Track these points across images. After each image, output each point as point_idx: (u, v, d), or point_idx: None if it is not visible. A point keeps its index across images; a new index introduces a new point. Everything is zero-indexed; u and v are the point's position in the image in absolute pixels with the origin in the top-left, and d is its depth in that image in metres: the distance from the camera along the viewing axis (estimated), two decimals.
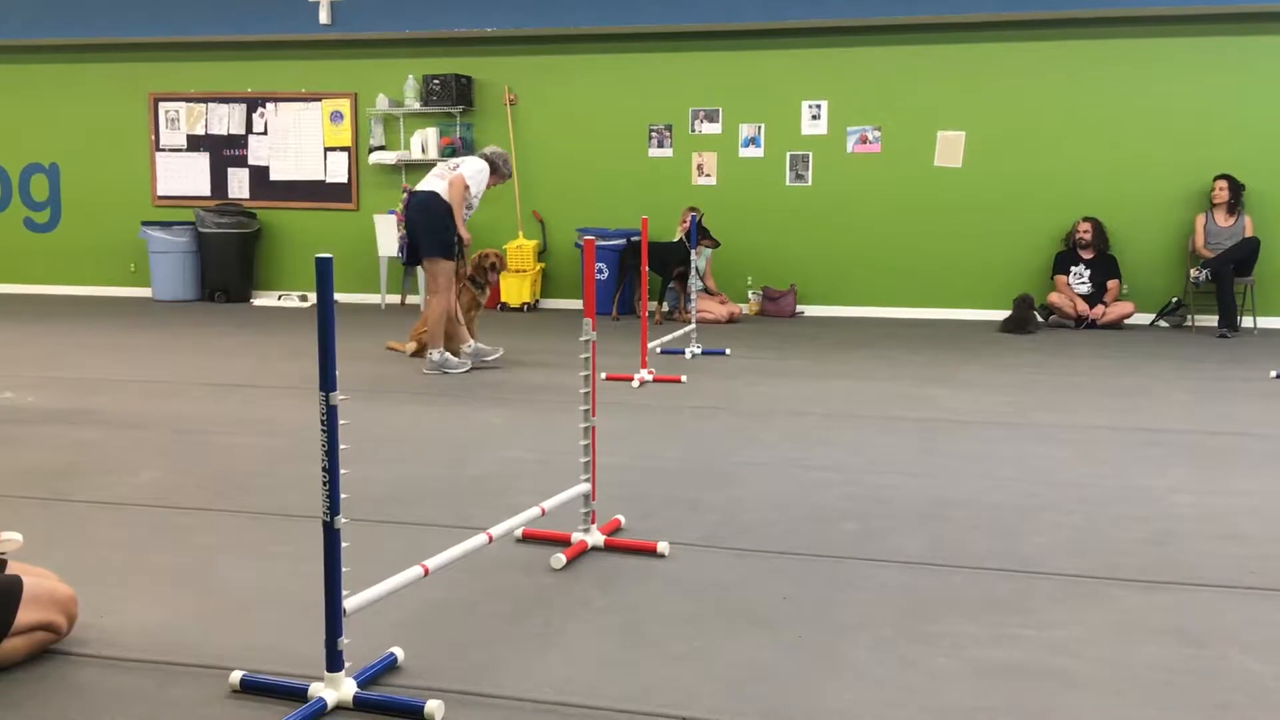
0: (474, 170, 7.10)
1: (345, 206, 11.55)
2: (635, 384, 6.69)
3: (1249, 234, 9.42)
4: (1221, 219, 9.51)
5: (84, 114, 12.03)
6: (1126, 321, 9.73)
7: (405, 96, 11.10)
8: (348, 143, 11.47)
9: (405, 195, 7.10)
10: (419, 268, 8.15)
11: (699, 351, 7.89)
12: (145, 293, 11.88)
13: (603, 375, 6.92)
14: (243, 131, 11.72)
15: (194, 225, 11.38)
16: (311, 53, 11.43)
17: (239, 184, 11.79)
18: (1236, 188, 9.44)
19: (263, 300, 11.51)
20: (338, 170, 11.54)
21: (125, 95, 11.93)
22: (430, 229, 6.96)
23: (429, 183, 7.08)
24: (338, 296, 11.60)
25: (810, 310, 10.61)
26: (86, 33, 11.40)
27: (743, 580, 3.38)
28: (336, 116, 11.46)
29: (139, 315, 10.32)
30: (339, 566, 2.47)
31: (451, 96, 10.86)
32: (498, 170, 7.26)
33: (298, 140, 11.60)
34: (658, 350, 7.86)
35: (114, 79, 11.93)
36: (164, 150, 11.93)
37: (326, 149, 11.54)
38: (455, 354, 7.18)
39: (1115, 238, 9.88)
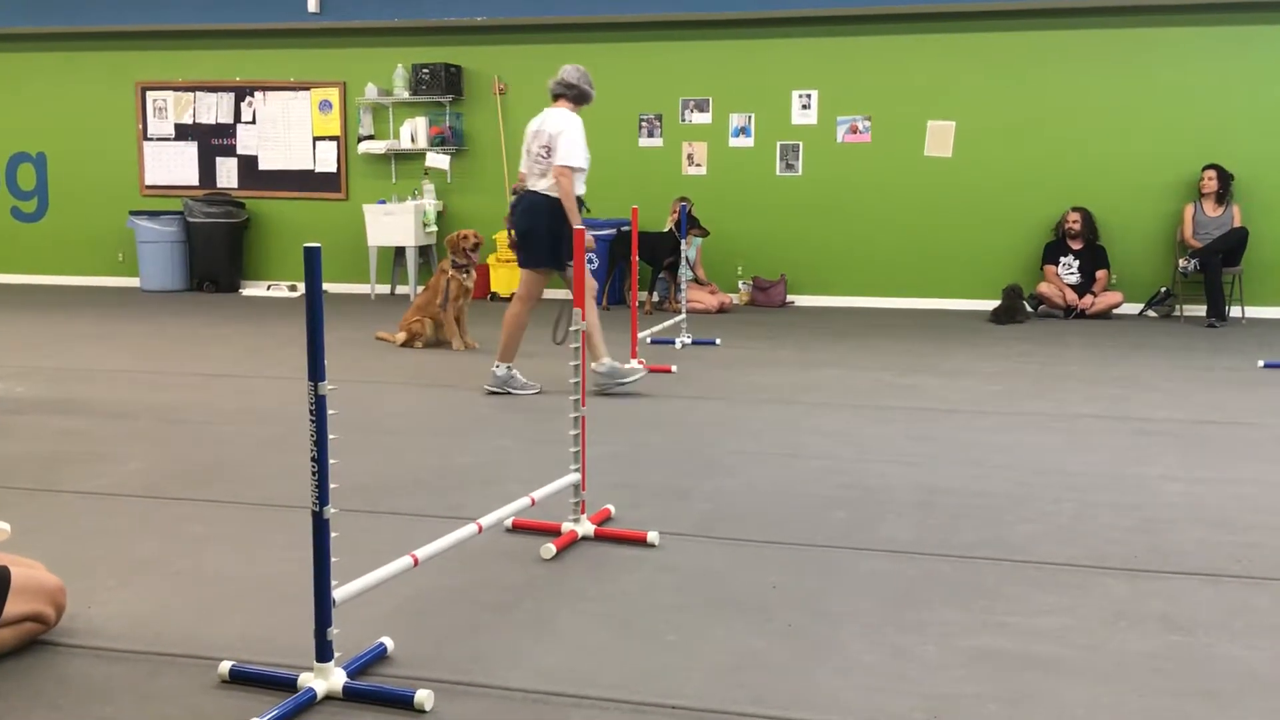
0: (571, 142, 5.85)
1: (334, 196, 11.51)
2: None
3: (1237, 224, 9.45)
4: (1210, 209, 9.54)
5: (71, 103, 11.97)
6: (1115, 311, 9.76)
7: (394, 86, 11.06)
8: (337, 132, 11.42)
9: (514, 197, 6.16)
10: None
11: (689, 341, 7.89)
12: (133, 282, 11.83)
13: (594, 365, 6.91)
14: (231, 121, 11.67)
15: (182, 215, 11.34)
16: (300, 41, 11.38)
17: (227, 173, 11.74)
18: (1225, 178, 9.46)
19: (251, 290, 11.48)
20: (327, 160, 11.49)
21: (113, 84, 11.86)
22: (543, 235, 5.95)
23: (533, 179, 5.99)
24: (327, 286, 11.56)
25: (800, 300, 10.62)
26: (74, 21, 11.33)
27: (732, 569, 3.39)
28: (325, 106, 11.42)
29: (127, 305, 10.28)
30: (328, 556, 2.47)
31: (441, 86, 10.82)
32: (587, 98, 6.14)
33: (286, 130, 11.55)
34: (648, 340, 7.86)
35: (101, 68, 11.86)
36: (152, 139, 11.87)
37: (315, 138, 11.49)
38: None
39: (1104, 228, 9.90)
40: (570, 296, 5.80)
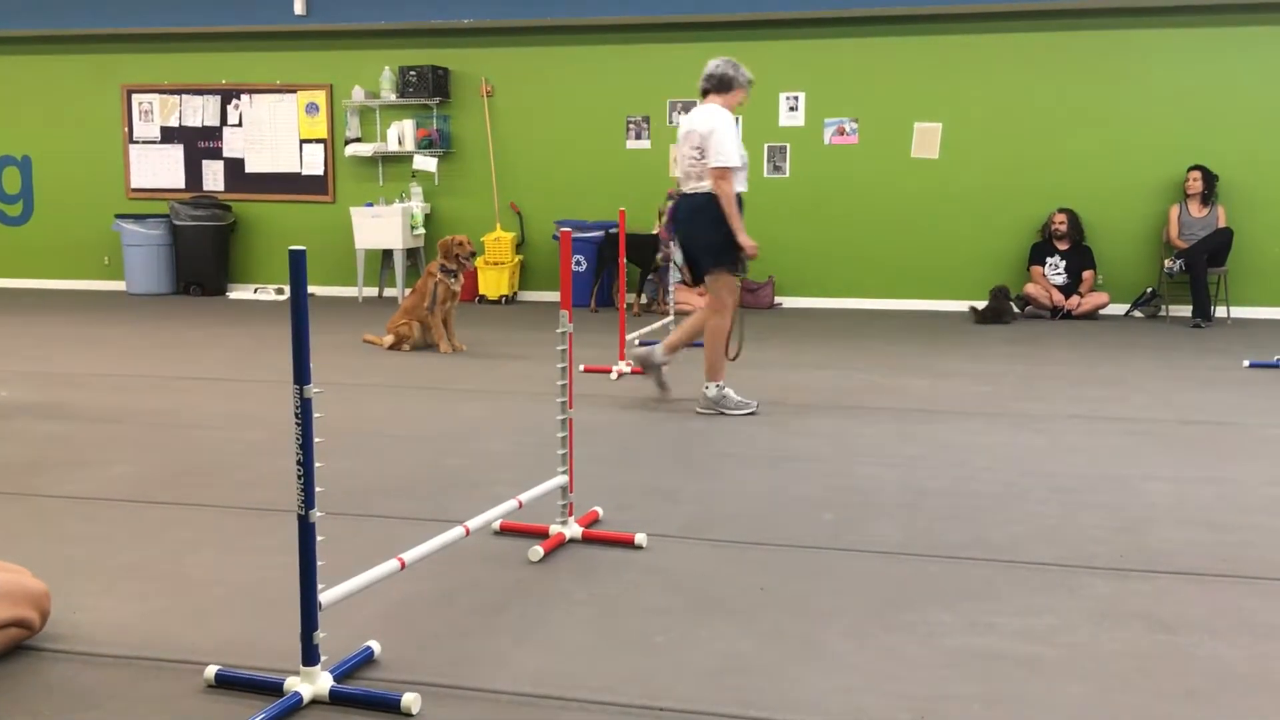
0: (723, 140, 5.42)
1: (321, 199, 11.49)
2: (614, 376, 6.70)
3: (1222, 224, 9.50)
4: (1195, 210, 9.58)
5: (56, 106, 11.92)
6: (1101, 312, 9.80)
7: (381, 88, 11.04)
8: (323, 135, 11.40)
9: (671, 202, 5.80)
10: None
11: None
12: (119, 286, 11.79)
13: (581, 367, 6.92)
14: (217, 123, 11.64)
15: (168, 218, 11.30)
16: (286, 44, 11.35)
17: (214, 176, 11.70)
18: (1210, 179, 9.51)
19: (238, 293, 11.45)
20: (314, 162, 11.47)
21: (98, 87, 11.82)
22: (704, 238, 5.58)
23: (690, 182, 5.64)
24: (314, 289, 11.54)
25: (788, 301, 10.63)
26: (58, 24, 11.28)
27: (720, 571, 3.39)
28: (312, 108, 11.39)
29: (113, 309, 10.24)
30: (314, 560, 2.46)
31: (428, 88, 10.81)
32: (732, 84, 5.62)
33: (273, 132, 11.52)
34: (636, 342, 7.85)
35: (87, 70, 11.82)
36: (137, 142, 11.83)
37: (302, 141, 11.47)
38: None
39: (1090, 229, 9.95)
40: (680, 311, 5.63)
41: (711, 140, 5.39)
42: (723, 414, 5.62)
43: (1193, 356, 7.57)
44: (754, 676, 2.66)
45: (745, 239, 5.47)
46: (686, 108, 10.69)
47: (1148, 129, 9.89)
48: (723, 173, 5.37)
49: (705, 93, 5.65)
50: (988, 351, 7.79)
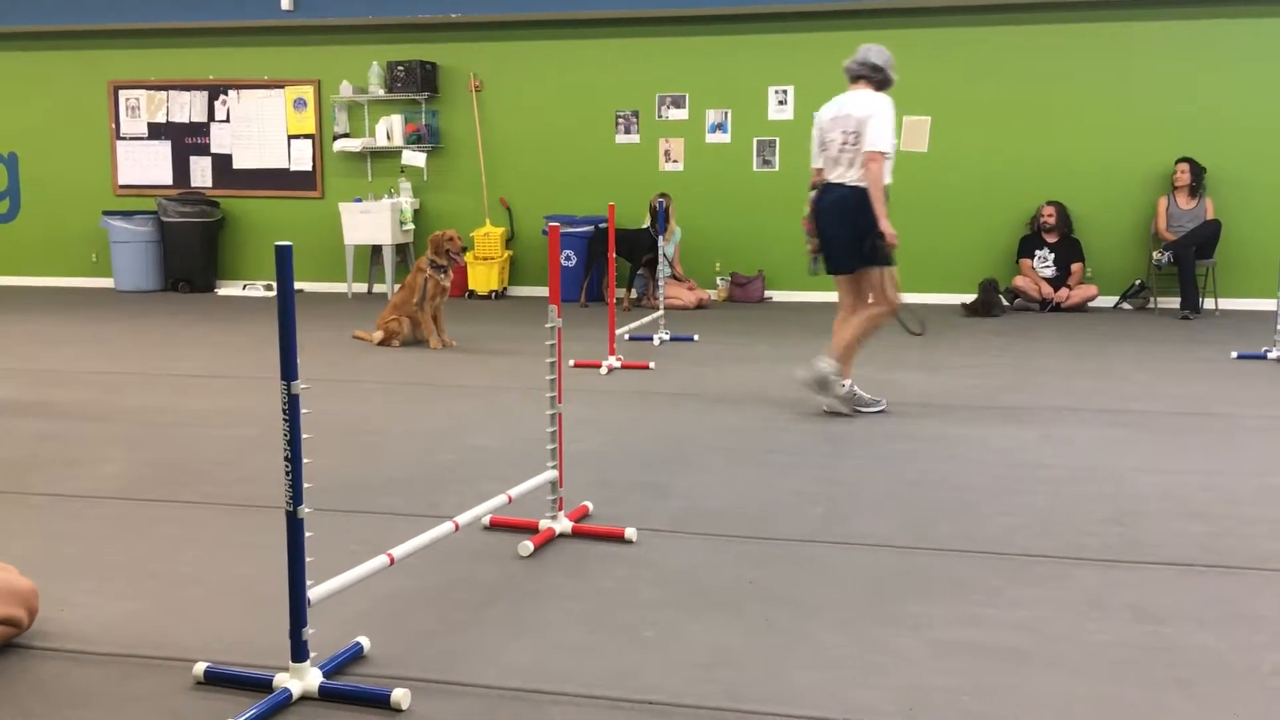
0: (884, 125, 5.32)
1: (310, 195, 11.45)
2: (604, 371, 6.69)
3: (1210, 216, 9.52)
4: (1183, 202, 9.61)
5: (43, 103, 11.86)
6: (1090, 304, 9.83)
7: (370, 83, 11.01)
8: (312, 130, 11.37)
9: (814, 195, 5.55)
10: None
11: (667, 338, 7.90)
12: (107, 283, 11.75)
13: (571, 362, 6.92)
14: (205, 119, 11.59)
15: (156, 214, 11.26)
16: (274, 39, 11.31)
17: (201, 173, 11.66)
18: (1198, 171, 9.54)
19: (227, 290, 11.41)
20: (302, 158, 11.43)
21: (84, 83, 11.77)
22: (852, 234, 5.43)
23: (838, 170, 5.45)
24: (304, 286, 11.52)
25: (778, 295, 10.64)
26: (44, 20, 11.22)
27: (710, 565, 3.40)
28: (300, 104, 11.36)
29: (101, 306, 10.20)
30: (302, 556, 2.46)
31: (416, 83, 10.78)
32: (891, 83, 5.60)
33: (261, 128, 11.49)
34: (626, 337, 7.86)
35: (73, 67, 11.76)
36: (125, 139, 11.78)
37: (290, 137, 11.43)
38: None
39: (1079, 221, 9.97)
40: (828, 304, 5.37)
41: (870, 124, 5.29)
42: (859, 412, 5.49)
43: (1181, 348, 7.60)
44: (743, 670, 2.67)
45: (888, 226, 5.35)
46: (676, 102, 10.68)
47: (1136, 122, 9.91)
48: (877, 156, 5.26)
49: (857, 78, 5.53)
50: (977, 344, 7.80)
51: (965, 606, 3.05)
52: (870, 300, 5.54)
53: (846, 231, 5.43)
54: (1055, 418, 5.41)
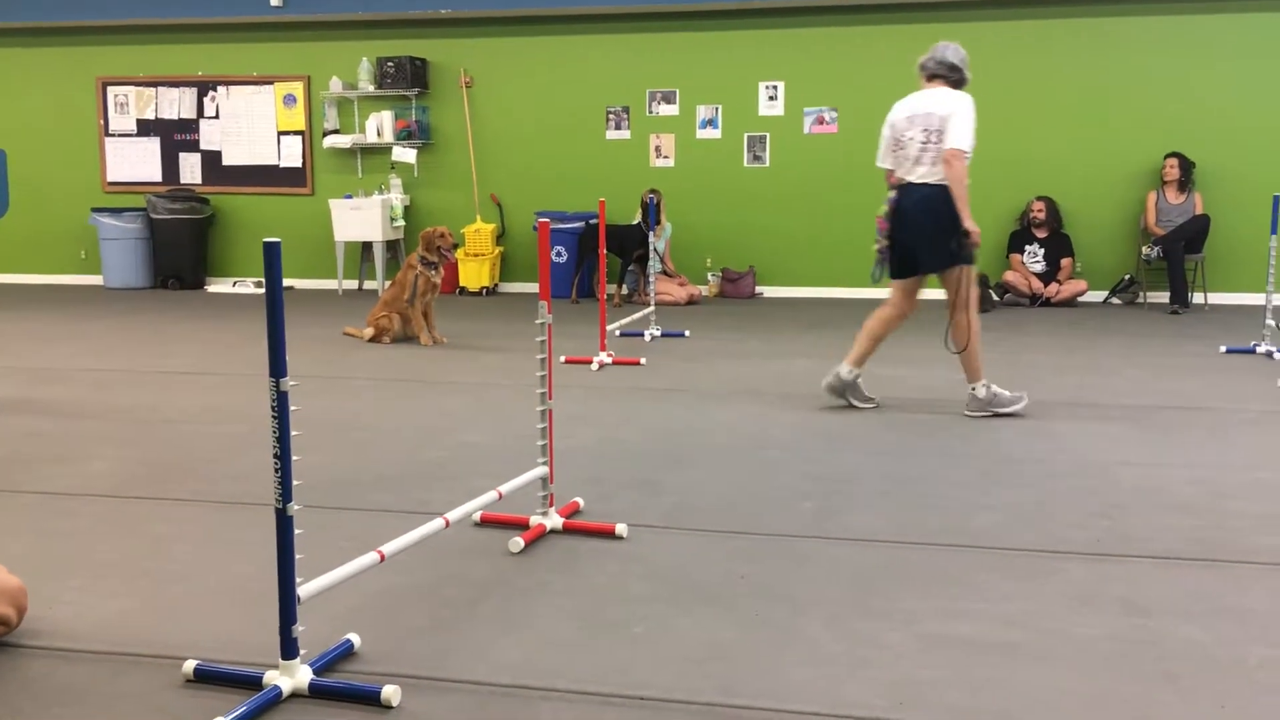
0: (966, 123, 5.25)
1: (300, 191, 11.43)
2: (595, 367, 6.70)
3: (1199, 211, 9.55)
4: (1172, 197, 9.64)
5: (31, 99, 11.81)
6: (1080, 299, 9.86)
7: (359, 79, 10.99)
8: (301, 126, 11.34)
9: (893, 196, 5.46)
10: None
11: (658, 334, 7.90)
12: (96, 280, 11.71)
13: (562, 358, 6.92)
14: (194, 116, 11.56)
15: (145, 211, 11.23)
16: (263, 35, 11.28)
17: (191, 169, 11.63)
18: (1187, 166, 9.57)
19: (217, 287, 11.38)
20: (291, 154, 11.41)
21: (73, 79, 11.72)
22: (936, 233, 5.33)
23: (919, 170, 5.36)
24: (295, 283, 11.50)
25: (769, 291, 10.65)
26: (32, 16, 11.18)
27: (700, 560, 3.40)
28: (290, 100, 11.33)
29: (90, 303, 10.17)
30: (292, 553, 2.46)
31: (406, 79, 10.76)
32: (966, 82, 5.51)
33: (250, 124, 11.46)
34: (617, 333, 7.86)
35: (61, 63, 11.72)
36: (113, 135, 11.74)
37: (280, 133, 11.40)
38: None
39: (1068, 216, 9.99)
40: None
41: (953, 122, 5.23)
42: (996, 414, 5.38)
43: (1170, 343, 7.62)
44: (734, 665, 2.67)
45: (972, 224, 5.30)
46: (666, 98, 10.68)
47: (1125, 117, 9.94)
48: (959, 154, 5.21)
49: (933, 77, 5.47)
50: None
51: (954, 601, 3.06)
52: (951, 298, 5.41)
53: (930, 232, 5.33)
54: (1044, 412, 5.42)
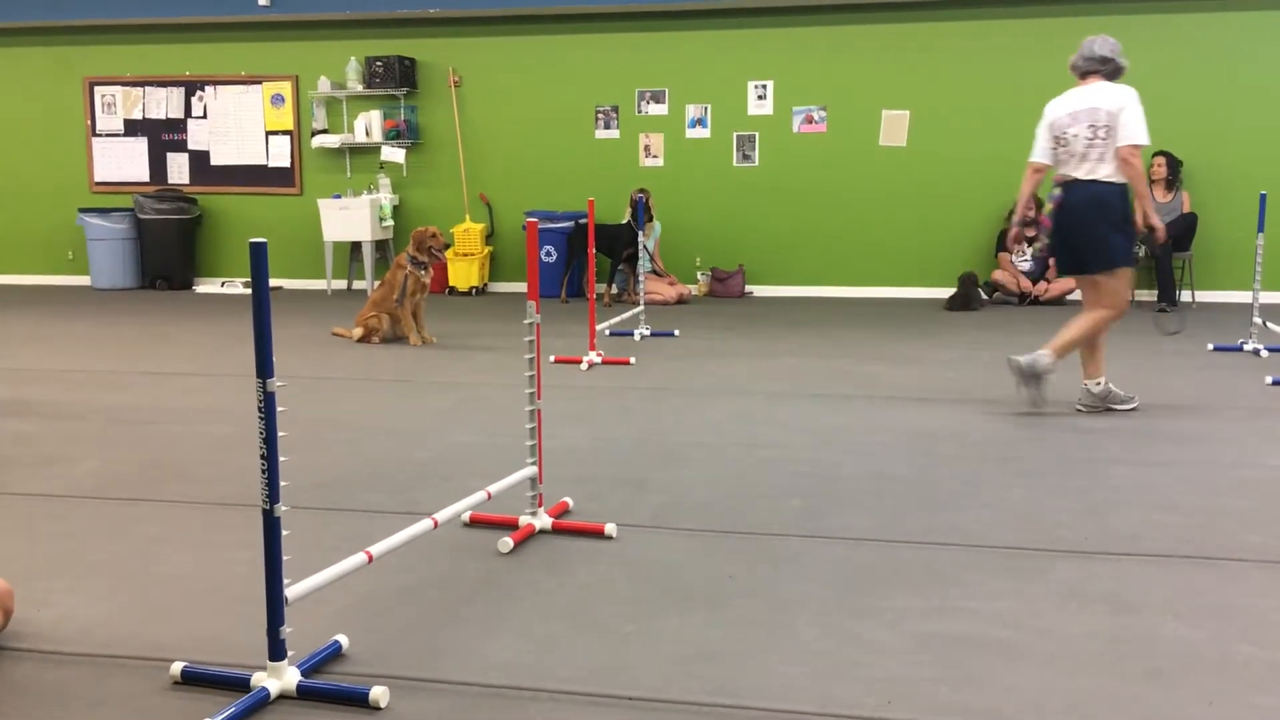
0: (1138, 118, 5.22)
1: (289, 191, 11.40)
2: (584, 366, 6.69)
3: (1186, 209, 9.59)
4: (1160, 195, 9.67)
5: (17, 99, 11.76)
6: (1068, 297, 9.88)
7: (348, 79, 10.96)
8: (290, 126, 11.31)
9: (1057, 194, 5.36)
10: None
11: (648, 333, 7.90)
12: (84, 281, 11.67)
13: (551, 358, 6.91)
14: (182, 115, 11.52)
15: (133, 211, 11.19)
16: (251, 35, 11.25)
17: (179, 169, 11.59)
18: (1174, 164, 9.60)
19: (205, 287, 11.35)
20: (280, 154, 11.38)
21: (60, 79, 11.68)
22: (1105, 231, 5.24)
23: (1086, 166, 5.28)
24: (283, 283, 11.46)
25: (758, 290, 10.66)
26: (18, 16, 11.13)
27: (689, 560, 3.40)
28: (278, 100, 11.30)
29: (77, 304, 10.13)
30: (279, 554, 2.45)
31: (395, 78, 10.74)
32: (1123, 72, 5.49)
33: (238, 124, 11.42)
34: (606, 332, 7.86)
35: (48, 63, 11.67)
36: (101, 135, 11.69)
37: (268, 133, 11.37)
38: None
39: None
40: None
41: (1123, 117, 5.16)
42: (1110, 410, 5.39)
43: (1157, 341, 7.65)
44: (723, 664, 2.67)
45: (1157, 220, 5.28)
46: (655, 97, 10.67)
47: None
48: (1136, 151, 5.15)
49: (1087, 74, 5.43)
50: (956, 338, 7.83)
51: (942, 599, 3.07)
52: (1102, 299, 5.38)
53: (1099, 229, 5.23)
54: (1032, 410, 5.43)
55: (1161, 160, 9.58)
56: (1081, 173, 5.27)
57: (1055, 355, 5.37)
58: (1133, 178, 5.19)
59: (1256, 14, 9.66)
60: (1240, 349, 7.17)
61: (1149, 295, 9.69)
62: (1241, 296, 9.72)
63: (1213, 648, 2.75)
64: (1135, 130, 5.15)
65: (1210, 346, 7.25)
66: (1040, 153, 5.48)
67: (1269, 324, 7.63)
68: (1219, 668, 2.64)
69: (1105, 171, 5.22)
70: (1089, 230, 5.26)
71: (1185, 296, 9.71)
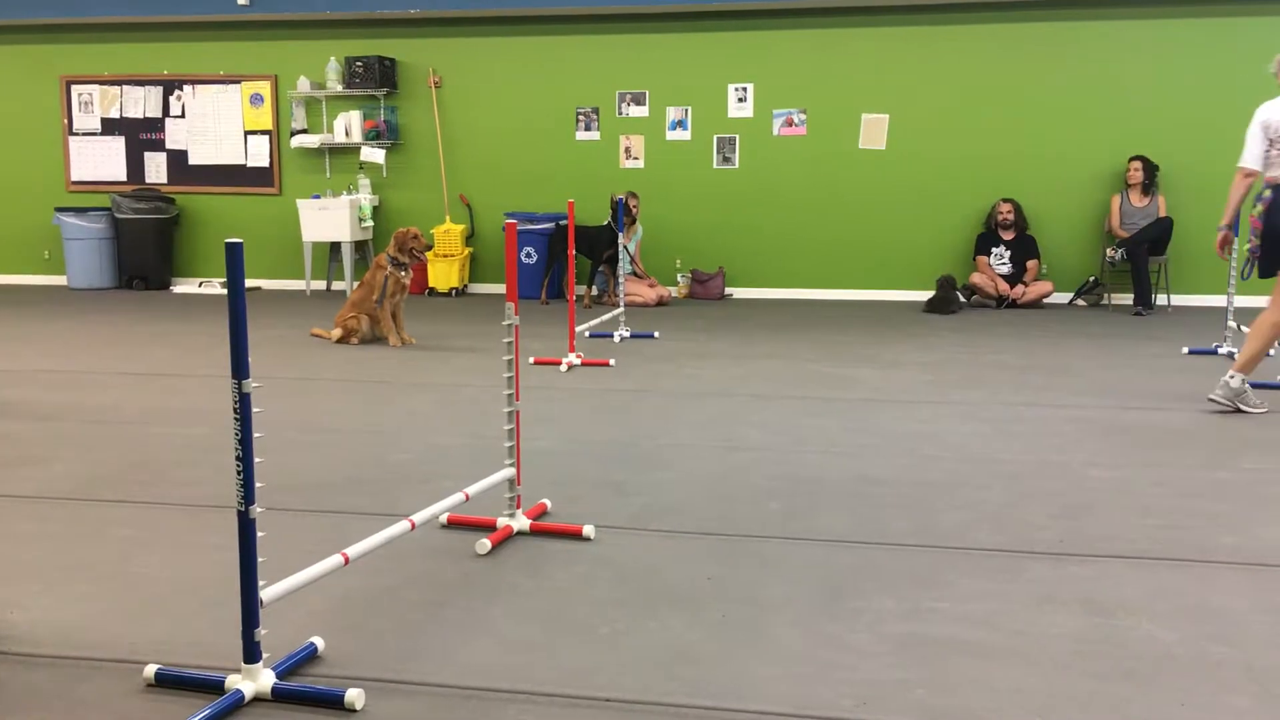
0: None
1: (267, 191, 11.35)
2: (564, 368, 6.69)
3: (1162, 214, 9.66)
4: (1136, 199, 9.74)
5: None
6: (1046, 300, 9.95)
7: (327, 79, 10.93)
8: (269, 126, 11.26)
9: (1269, 195, 5.42)
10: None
11: (628, 335, 7.90)
12: (60, 280, 11.58)
13: (531, 360, 6.90)
14: (159, 115, 11.45)
15: (110, 211, 11.11)
16: (230, 34, 11.19)
17: (156, 169, 11.52)
18: (1150, 169, 9.68)
19: (183, 287, 11.28)
20: (259, 154, 11.32)
21: (35, 78, 11.58)
22: None
23: None
24: (262, 283, 11.41)
25: (738, 292, 10.67)
26: None
27: (668, 562, 3.40)
28: (256, 99, 11.24)
29: (54, 304, 10.05)
30: (254, 556, 2.44)
31: (375, 79, 10.71)
32: None
33: (216, 124, 11.36)
34: (586, 334, 7.85)
35: (24, 61, 11.58)
36: (77, 134, 11.61)
37: (247, 132, 11.32)
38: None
39: (1034, 219, 10.08)
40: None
41: None
42: (1240, 409, 5.42)
43: (1134, 344, 7.70)
44: (702, 666, 2.67)
45: None
46: (636, 99, 10.68)
47: (1090, 120, 10.03)
48: None
49: None
50: (934, 340, 7.87)
51: (921, 601, 3.08)
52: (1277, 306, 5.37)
53: None
54: (1009, 413, 5.46)
55: (1138, 165, 9.65)
56: (1272, 169, 5.31)
57: (1242, 373, 5.44)
58: None
59: (1233, 19, 9.75)
60: (1215, 352, 7.23)
61: (1126, 299, 9.77)
62: (1216, 300, 9.80)
63: (1186, 648, 2.77)
64: None
65: (1185, 350, 7.31)
66: (1253, 158, 5.48)
67: (1243, 327, 7.69)
68: (1192, 668, 2.66)
69: None
70: None
71: (1161, 300, 9.79)
